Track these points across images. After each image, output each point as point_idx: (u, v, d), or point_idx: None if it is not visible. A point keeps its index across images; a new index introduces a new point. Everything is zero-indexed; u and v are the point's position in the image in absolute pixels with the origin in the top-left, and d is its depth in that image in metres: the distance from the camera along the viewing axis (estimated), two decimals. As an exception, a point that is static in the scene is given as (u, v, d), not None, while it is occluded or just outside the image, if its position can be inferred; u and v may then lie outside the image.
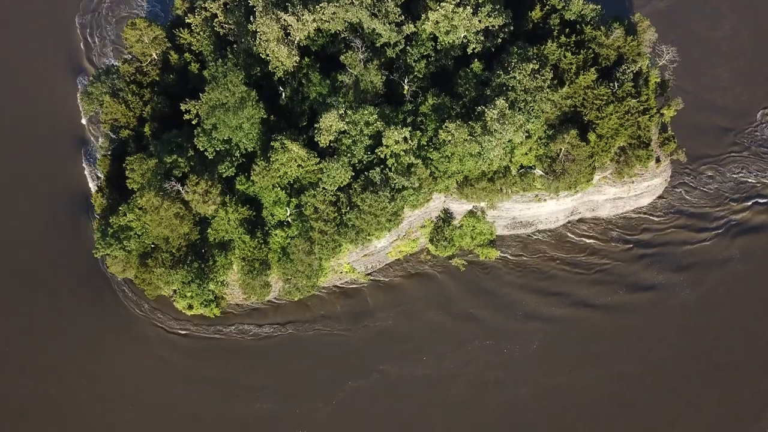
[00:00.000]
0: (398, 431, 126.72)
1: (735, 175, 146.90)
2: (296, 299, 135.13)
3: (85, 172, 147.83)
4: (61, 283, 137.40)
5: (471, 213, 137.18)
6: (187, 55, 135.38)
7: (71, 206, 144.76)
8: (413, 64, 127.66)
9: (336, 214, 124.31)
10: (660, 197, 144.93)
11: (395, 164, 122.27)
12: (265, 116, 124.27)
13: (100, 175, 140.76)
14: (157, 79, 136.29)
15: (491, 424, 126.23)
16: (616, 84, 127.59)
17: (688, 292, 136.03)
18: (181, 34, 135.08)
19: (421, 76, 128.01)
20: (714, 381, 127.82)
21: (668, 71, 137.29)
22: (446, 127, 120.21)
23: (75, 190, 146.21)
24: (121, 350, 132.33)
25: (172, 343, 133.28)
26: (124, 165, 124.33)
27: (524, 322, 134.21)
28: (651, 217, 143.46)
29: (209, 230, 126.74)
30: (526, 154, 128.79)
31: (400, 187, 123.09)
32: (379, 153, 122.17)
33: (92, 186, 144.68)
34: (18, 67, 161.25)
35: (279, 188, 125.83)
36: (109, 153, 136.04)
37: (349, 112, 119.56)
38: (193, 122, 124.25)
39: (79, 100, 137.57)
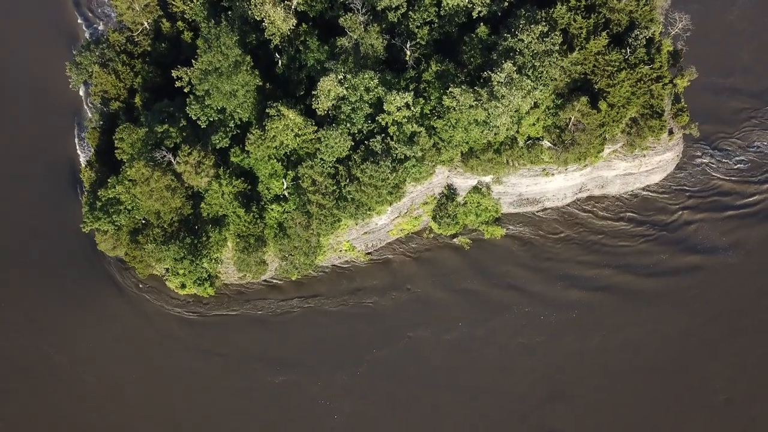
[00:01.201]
0: (426, 397, 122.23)
1: None
2: (294, 278, 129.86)
3: (76, 145, 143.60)
4: (56, 260, 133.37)
5: (476, 189, 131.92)
6: (179, 23, 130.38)
7: (61, 181, 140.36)
8: (416, 30, 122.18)
9: (335, 186, 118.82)
10: (681, 170, 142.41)
11: (397, 133, 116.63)
12: (260, 84, 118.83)
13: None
14: (149, 49, 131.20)
15: (524, 386, 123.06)
16: (628, 50, 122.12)
17: (731, 255, 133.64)
18: (173, 2, 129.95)
19: (423, 43, 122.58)
20: (758, 341, 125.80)
21: (681, 40, 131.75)
22: (451, 92, 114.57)
23: (67, 164, 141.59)
24: (130, 329, 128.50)
25: (181, 319, 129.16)
26: (113, 137, 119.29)
27: (564, 292, 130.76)
28: (688, 189, 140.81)
29: (202, 204, 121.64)
30: (534, 124, 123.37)
31: (402, 157, 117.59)
32: (380, 120, 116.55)
33: (83, 160, 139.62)
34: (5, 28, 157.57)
35: (275, 160, 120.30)
36: (100, 125, 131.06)
37: (349, 77, 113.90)
38: (186, 90, 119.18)
39: (67, 71, 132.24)
